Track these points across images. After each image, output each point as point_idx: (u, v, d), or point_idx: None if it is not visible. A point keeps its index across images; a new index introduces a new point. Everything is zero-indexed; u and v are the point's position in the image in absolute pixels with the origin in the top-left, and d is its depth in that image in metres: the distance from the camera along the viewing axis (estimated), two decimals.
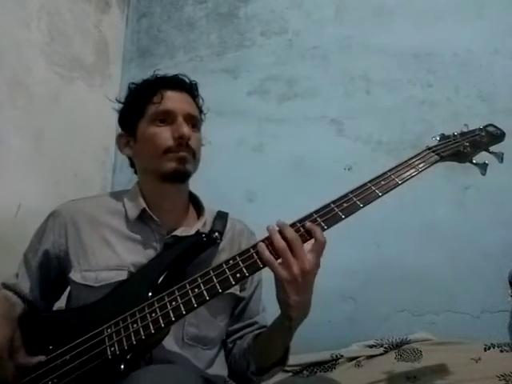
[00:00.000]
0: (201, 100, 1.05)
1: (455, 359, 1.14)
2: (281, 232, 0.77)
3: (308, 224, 0.78)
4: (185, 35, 2.03)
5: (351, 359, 1.31)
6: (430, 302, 1.49)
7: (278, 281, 0.76)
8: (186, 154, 0.93)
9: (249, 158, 1.80)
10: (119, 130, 2.07)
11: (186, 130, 0.93)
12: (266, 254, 0.76)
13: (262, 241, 0.78)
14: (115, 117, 2.00)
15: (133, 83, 1.04)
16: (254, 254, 0.77)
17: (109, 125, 1.99)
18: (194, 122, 0.99)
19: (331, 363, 1.32)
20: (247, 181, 1.75)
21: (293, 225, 0.79)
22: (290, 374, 1.30)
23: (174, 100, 0.96)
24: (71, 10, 1.80)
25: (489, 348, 1.17)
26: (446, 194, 1.43)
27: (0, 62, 1.48)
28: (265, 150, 1.79)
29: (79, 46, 1.84)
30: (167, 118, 0.94)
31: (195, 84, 1.04)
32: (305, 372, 1.31)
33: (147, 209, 0.94)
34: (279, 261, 0.75)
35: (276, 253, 0.76)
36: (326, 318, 1.54)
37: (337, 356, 1.33)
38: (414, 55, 1.67)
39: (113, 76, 2.05)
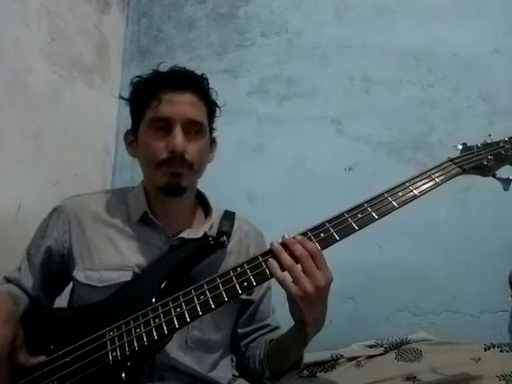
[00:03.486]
0: (213, 94, 0.95)
1: (455, 359, 1.14)
2: (288, 249, 0.74)
3: (299, 238, 0.75)
4: (185, 35, 2.03)
5: (351, 359, 1.31)
6: (430, 302, 1.49)
7: (291, 299, 0.74)
8: (179, 169, 0.87)
9: (249, 158, 1.80)
10: (119, 129, 2.09)
11: (179, 143, 0.85)
12: (279, 272, 0.73)
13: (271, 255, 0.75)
14: (115, 117, 2.03)
15: (138, 76, 0.96)
16: (263, 263, 0.75)
17: (109, 125, 2.00)
18: (197, 128, 0.90)
19: (331, 363, 1.32)
20: (247, 181, 1.75)
21: (303, 234, 0.77)
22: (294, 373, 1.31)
23: (172, 104, 0.87)
24: (71, 10, 1.80)
25: (489, 348, 1.16)
26: (447, 194, 1.43)
27: (0, 61, 1.47)
28: (265, 150, 1.79)
29: (79, 46, 1.84)
30: (164, 125, 0.87)
31: (203, 78, 0.93)
32: (305, 372, 1.31)
33: (149, 212, 0.92)
34: (290, 278, 0.72)
35: (286, 270, 0.73)
36: (327, 317, 1.54)
37: (337, 356, 1.33)
38: (414, 55, 1.67)
39: (113, 76, 2.04)
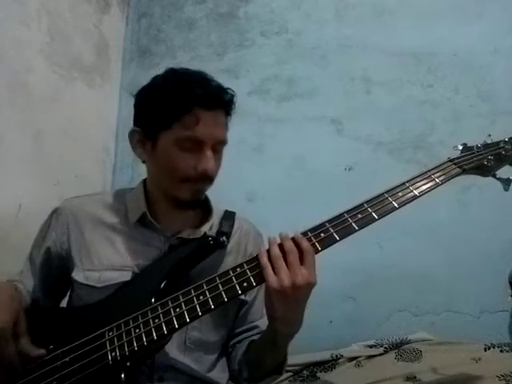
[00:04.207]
0: (234, 107, 0.94)
1: (455, 359, 1.15)
2: (280, 244, 0.75)
3: (296, 235, 0.75)
4: (185, 35, 2.03)
5: (351, 359, 1.31)
6: (430, 302, 1.49)
7: (268, 289, 0.74)
8: (203, 186, 0.90)
9: (249, 158, 1.80)
10: (119, 129, 2.09)
11: (211, 165, 0.86)
12: (264, 259, 0.74)
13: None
14: (115, 117, 2.03)
15: (161, 77, 0.91)
16: None
17: (109, 125, 2.00)
18: (222, 146, 0.91)
19: (331, 363, 1.32)
20: (247, 181, 1.75)
21: (304, 234, 0.77)
22: (290, 373, 1.31)
23: (207, 125, 0.85)
24: (71, 9, 1.80)
25: (489, 348, 1.17)
26: (447, 194, 1.43)
27: (0, 61, 1.47)
28: (265, 150, 1.80)
29: (79, 46, 1.84)
30: (195, 143, 0.85)
31: (233, 96, 0.91)
32: (305, 372, 1.32)
33: (148, 213, 0.92)
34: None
35: (270, 260, 0.74)
36: (327, 317, 1.54)
37: (337, 356, 1.33)
38: (413, 55, 1.67)
39: (113, 76, 2.04)
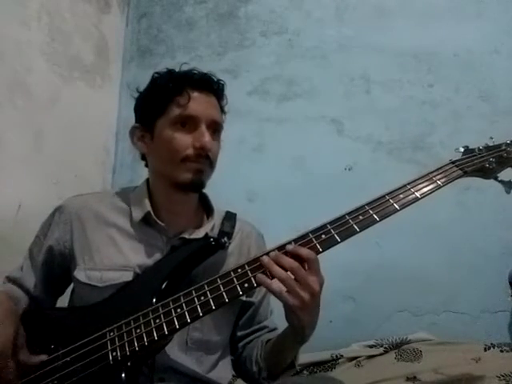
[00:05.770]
0: (225, 100, 0.99)
1: (455, 359, 1.15)
2: (278, 263, 0.73)
3: (290, 247, 0.74)
4: (185, 35, 2.03)
5: (351, 359, 1.31)
6: (430, 302, 1.50)
7: (290, 308, 0.73)
8: (203, 166, 0.90)
9: (249, 158, 1.80)
10: (119, 129, 2.09)
11: (207, 140, 0.88)
12: (274, 285, 0.72)
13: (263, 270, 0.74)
14: (115, 117, 2.03)
15: (157, 73, 0.96)
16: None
17: (109, 125, 2.00)
18: (217, 128, 0.94)
19: (331, 363, 1.32)
20: (247, 181, 1.75)
21: (305, 236, 0.76)
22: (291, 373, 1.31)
23: (199, 104, 0.90)
24: (71, 10, 1.80)
25: (489, 348, 1.17)
26: (446, 195, 1.42)
27: (0, 61, 1.47)
28: (265, 150, 1.80)
29: (79, 46, 1.84)
30: (190, 122, 0.89)
31: (222, 85, 0.97)
32: (305, 372, 1.32)
33: (152, 212, 0.92)
34: (285, 289, 0.72)
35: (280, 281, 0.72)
36: (327, 317, 1.54)
37: (337, 356, 1.33)
38: (413, 55, 1.67)
39: (113, 76, 2.04)
